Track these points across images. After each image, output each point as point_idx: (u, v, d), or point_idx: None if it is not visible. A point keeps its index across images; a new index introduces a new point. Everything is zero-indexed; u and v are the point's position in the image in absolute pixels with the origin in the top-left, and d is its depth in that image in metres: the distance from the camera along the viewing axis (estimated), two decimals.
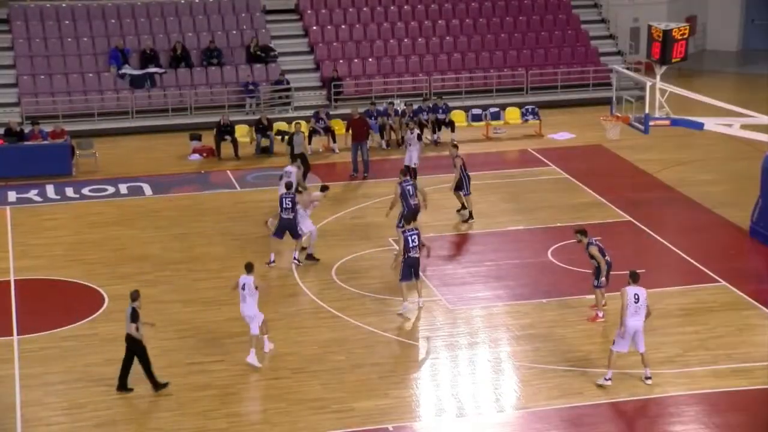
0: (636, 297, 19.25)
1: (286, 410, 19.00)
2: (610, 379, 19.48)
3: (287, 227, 25.13)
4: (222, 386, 19.80)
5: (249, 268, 20.92)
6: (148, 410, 19.14)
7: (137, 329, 19.35)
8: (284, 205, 24.91)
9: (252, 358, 20.51)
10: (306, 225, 25.58)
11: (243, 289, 20.77)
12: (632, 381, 19.82)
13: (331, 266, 25.28)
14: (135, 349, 19.51)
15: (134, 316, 19.35)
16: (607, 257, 22.30)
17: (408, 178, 26.44)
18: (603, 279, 22.31)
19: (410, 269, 22.75)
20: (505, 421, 18.79)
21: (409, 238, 22.71)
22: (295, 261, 25.29)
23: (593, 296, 22.90)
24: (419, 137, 31.80)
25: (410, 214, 24.61)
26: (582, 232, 22.55)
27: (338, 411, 18.94)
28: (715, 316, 22.55)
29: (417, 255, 22.75)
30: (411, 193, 25.90)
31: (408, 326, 22.39)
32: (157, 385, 19.63)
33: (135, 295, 19.51)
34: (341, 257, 25.80)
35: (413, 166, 30.22)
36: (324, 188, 27.10)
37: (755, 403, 19.13)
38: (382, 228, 27.65)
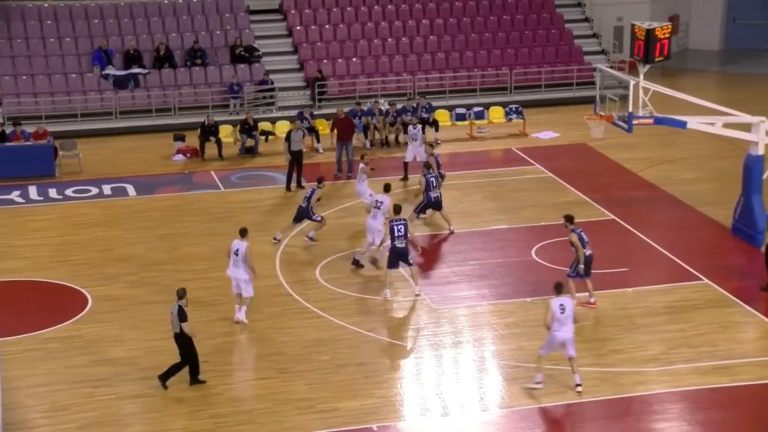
0: (562, 308, 19.12)
1: (272, 410, 19.01)
2: (540, 382, 19.45)
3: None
4: (207, 386, 19.78)
5: (243, 233, 22.12)
6: (133, 412, 19.11)
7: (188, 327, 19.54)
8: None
9: (242, 315, 22.13)
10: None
11: (236, 254, 21.89)
12: (615, 379, 19.90)
13: (316, 266, 25.29)
14: (186, 346, 19.58)
15: (182, 315, 19.43)
16: (587, 250, 22.45)
17: (431, 170, 27.10)
18: (580, 266, 22.53)
19: (398, 258, 23.31)
20: (489, 421, 18.83)
21: (395, 227, 23.20)
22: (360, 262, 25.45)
23: (578, 295, 22.95)
24: (423, 130, 32.30)
25: (428, 205, 26.81)
26: (569, 218, 22.87)
27: (323, 411, 18.96)
28: (698, 313, 22.64)
29: (403, 245, 23.14)
30: (434, 184, 26.82)
31: (392, 325, 22.44)
32: (164, 381, 19.68)
33: (182, 293, 19.61)
34: (326, 257, 25.81)
35: (420, 160, 30.29)
36: (320, 180, 27.38)
37: (738, 399, 19.23)
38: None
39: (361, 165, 28.16)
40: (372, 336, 21.83)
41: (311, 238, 26.69)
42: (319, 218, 26.57)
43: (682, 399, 19.22)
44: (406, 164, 31.54)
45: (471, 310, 22.98)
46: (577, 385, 19.38)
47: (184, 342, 19.60)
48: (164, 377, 19.66)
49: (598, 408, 19.04)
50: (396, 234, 23.26)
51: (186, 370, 19.77)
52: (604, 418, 18.78)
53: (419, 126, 31.85)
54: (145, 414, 19.01)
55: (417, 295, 23.40)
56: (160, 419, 18.80)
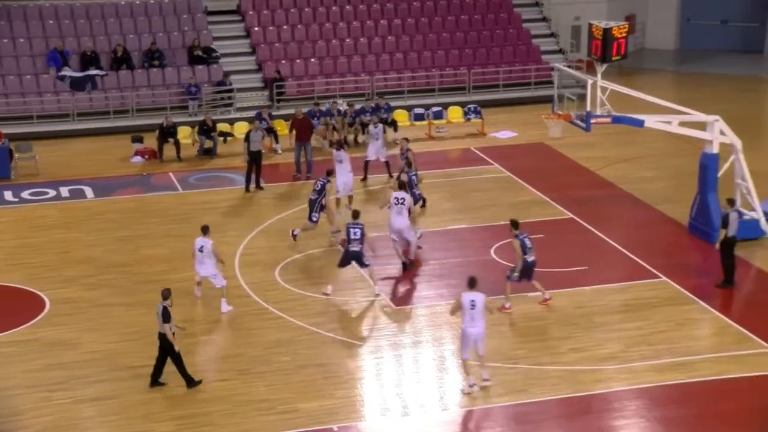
0: (472, 303, 19.17)
1: (232, 411, 18.95)
2: (473, 385, 19.50)
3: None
4: (167, 388, 19.69)
5: (205, 230, 22.76)
6: (92, 415, 18.98)
7: (171, 330, 19.47)
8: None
9: (225, 307, 22.68)
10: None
11: (201, 251, 22.65)
12: (575, 377, 20.00)
13: (275, 266, 25.24)
14: (167, 347, 19.51)
15: (166, 316, 19.37)
16: (530, 256, 22.45)
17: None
18: (516, 274, 22.56)
19: (350, 260, 23.53)
20: (449, 420, 18.87)
21: (352, 231, 23.35)
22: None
23: (536, 294, 23.09)
24: (384, 130, 32.48)
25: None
26: (514, 223, 22.86)
27: (284, 412, 18.93)
28: (656, 311, 22.80)
29: (357, 248, 23.30)
30: (415, 182, 27.18)
31: (352, 325, 22.43)
32: (191, 382, 19.65)
33: (166, 294, 19.58)
34: (285, 258, 25.76)
35: (383, 160, 30.61)
36: (329, 173, 27.40)
37: (695, 395, 19.39)
38: (326, 228, 27.64)
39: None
40: (332, 336, 21.82)
41: (295, 235, 26.62)
42: (315, 218, 26.45)
43: (640, 396, 19.35)
44: (366, 163, 31.51)
45: (430, 309, 23.01)
46: (485, 379, 19.54)
47: (164, 343, 19.56)
48: (190, 381, 19.71)
49: (557, 406, 19.13)
50: (352, 237, 23.34)
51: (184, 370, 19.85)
52: (564, 417, 18.86)
53: (380, 125, 31.88)
54: (103, 417, 18.89)
55: (377, 295, 23.42)
56: (119, 423, 18.69)
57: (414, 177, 27.64)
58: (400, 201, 24.95)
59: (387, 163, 31.42)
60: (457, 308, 19.36)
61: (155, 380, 19.73)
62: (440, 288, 24.10)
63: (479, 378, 19.59)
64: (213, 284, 22.94)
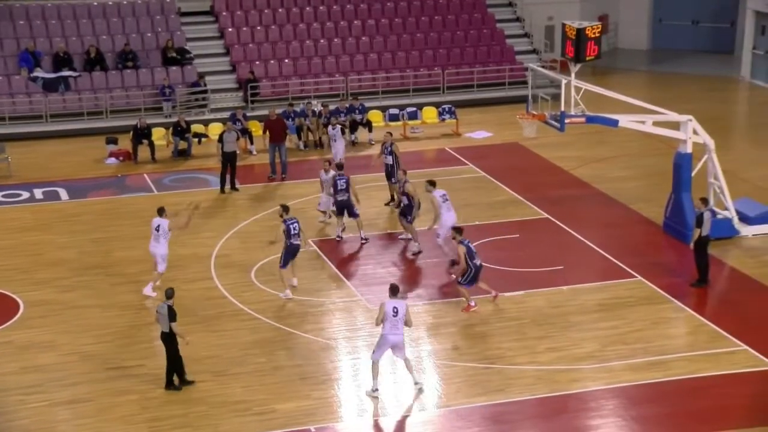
0: (395, 310, 19.12)
1: (208, 413, 18.91)
2: (376, 390, 19.48)
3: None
4: (143, 391, 19.63)
5: (161, 211, 23.63)
6: (67, 418, 18.89)
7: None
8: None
9: (149, 290, 23.38)
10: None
11: (157, 230, 23.45)
12: (551, 377, 20.05)
13: (251, 268, 25.19)
14: (169, 347, 19.49)
15: (172, 315, 19.31)
16: (476, 260, 22.53)
17: (342, 173, 27.01)
18: (465, 281, 22.58)
19: (292, 256, 23.72)
20: (426, 420, 18.88)
21: (291, 226, 23.54)
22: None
23: (512, 293, 23.13)
24: (342, 131, 32.27)
25: (339, 208, 26.83)
26: (458, 230, 22.90)
27: (260, 413, 18.89)
28: (631, 310, 22.89)
29: (298, 242, 23.65)
30: (341, 187, 26.71)
31: (329, 326, 22.41)
32: (170, 385, 19.61)
33: (170, 293, 19.56)
34: (260, 259, 25.71)
35: (342, 161, 30.45)
36: (341, 167, 27.49)
37: (670, 394, 19.48)
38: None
39: (322, 173, 27.74)
40: (308, 337, 21.79)
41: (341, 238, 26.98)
42: (358, 211, 26.83)
43: (617, 395, 19.43)
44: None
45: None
46: (416, 383, 19.53)
47: (171, 342, 19.49)
48: (169, 383, 19.63)
49: (534, 406, 19.17)
50: (292, 232, 23.49)
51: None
52: (540, 416, 18.91)
53: (338, 126, 31.76)
54: (78, 420, 18.80)
55: (294, 286, 23.84)
56: (95, 425, 18.61)
57: (342, 182, 27.01)
58: (446, 198, 25.10)
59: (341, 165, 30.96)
60: (380, 316, 19.22)
61: (183, 380, 19.72)
62: (417, 288, 24.11)
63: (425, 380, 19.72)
64: (156, 266, 23.54)
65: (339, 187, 26.28)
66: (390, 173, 28.97)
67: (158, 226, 23.50)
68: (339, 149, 31.67)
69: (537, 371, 20.25)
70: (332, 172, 27.05)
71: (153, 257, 23.73)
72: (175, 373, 19.74)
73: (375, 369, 19.42)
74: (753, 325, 22.20)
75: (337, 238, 26.84)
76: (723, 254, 25.72)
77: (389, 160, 28.89)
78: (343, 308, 23.23)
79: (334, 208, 27.02)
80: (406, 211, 26.23)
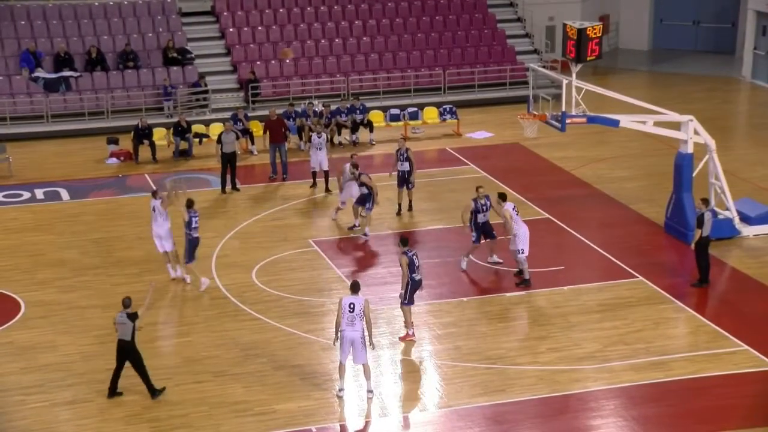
0: (351, 306, 19.13)
1: (209, 414, 18.90)
2: (342, 389, 19.50)
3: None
4: (143, 391, 19.60)
5: (154, 194, 24.41)
6: (68, 419, 18.88)
7: (133, 331, 19.19)
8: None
9: (178, 272, 24.32)
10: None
11: (153, 210, 24.16)
12: (552, 377, 20.05)
13: (251, 268, 25.19)
14: (131, 355, 19.22)
15: (133, 317, 19.04)
16: (416, 275, 21.42)
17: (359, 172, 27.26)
18: (407, 295, 21.45)
19: (196, 247, 24.11)
20: (428, 420, 18.88)
21: (194, 219, 23.85)
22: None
23: (512, 294, 23.12)
24: (328, 139, 32.35)
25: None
26: (403, 241, 21.76)
27: (261, 413, 18.89)
28: (633, 310, 22.89)
29: (197, 235, 23.91)
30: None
31: (330, 326, 22.37)
32: (155, 392, 19.39)
33: (128, 302, 19.19)
34: (261, 259, 25.72)
35: (325, 169, 30.32)
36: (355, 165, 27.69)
37: (671, 394, 19.47)
38: (302, 229, 27.66)
39: (347, 166, 27.66)
40: (309, 337, 21.78)
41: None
42: (371, 208, 27.11)
43: (618, 395, 19.42)
44: (314, 173, 30.99)
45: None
46: (369, 391, 19.43)
47: (133, 350, 19.22)
48: (152, 391, 19.41)
49: (535, 406, 19.16)
50: (193, 225, 23.77)
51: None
52: (542, 416, 18.91)
53: (324, 135, 30.98)
54: (79, 420, 18.79)
55: (179, 277, 24.31)
56: (95, 425, 18.61)
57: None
58: (517, 210, 24.58)
59: (326, 173, 30.66)
60: (340, 314, 19.23)
61: (151, 388, 19.46)
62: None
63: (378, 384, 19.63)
64: (165, 248, 24.32)
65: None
66: (406, 180, 28.48)
67: (153, 207, 24.17)
68: (322, 159, 30.58)
69: (538, 371, 20.24)
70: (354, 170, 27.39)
71: (156, 240, 24.37)
72: (143, 379, 19.44)
73: (341, 370, 19.45)
74: (754, 325, 22.20)
75: (364, 236, 27.06)
76: (724, 254, 25.72)
77: (405, 166, 28.37)
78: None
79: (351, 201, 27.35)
80: (366, 199, 26.78)
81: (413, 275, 21.38)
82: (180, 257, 24.37)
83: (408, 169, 28.42)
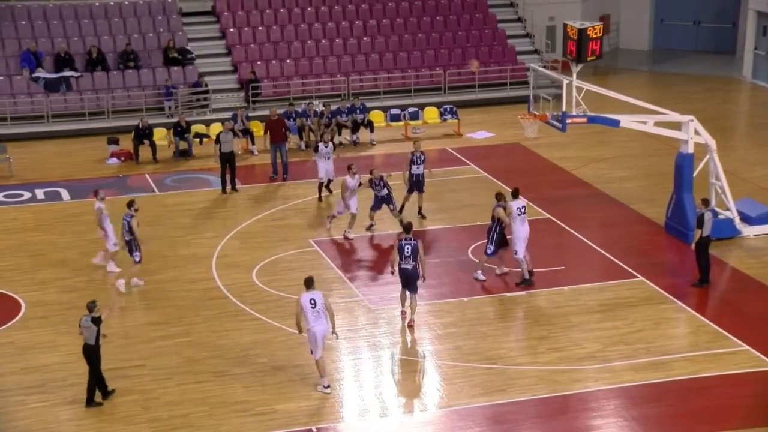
0: (312, 302, 19.26)
1: (209, 414, 18.90)
2: (328, 386, 19.58)
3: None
4: (143, 391, 19.63)
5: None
6: (69, 419, 18.88)
7: (98, 335, 19.04)
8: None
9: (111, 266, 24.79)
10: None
11: (101, 213, 24.74)
12: (552, 377, 20.04)
13: (252, 268, 25.19)
14: (91, 359, 19.06)
15: (97, 320, 18.91)
16: (404, 263, 21.86)
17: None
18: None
19: (132, 251, 24.15)
20: (428, 420, 18.88)
21: (125, 221, 23.88)
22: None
23: (513, 294, 23.11)
24: (334, 148, 32.03)
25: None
26: (406, 227, 22.44)
27: (261, 413, 18.89)
28: (633, 310, 22.88)
29: (129, 238, 23.93)
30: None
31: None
32: (91, 402, 19.17)
33: (92, 306, 19.03)
34: (262, 259, 25.72)
35: (331, 178, 30.03)
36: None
37: (672, 394, 19.47)
38: (303, 229, 27.66)
39: (348, 178, 27.06)
40: None
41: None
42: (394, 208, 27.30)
43: (618, 395, 19.41)
44: (320, 185, 30.11)
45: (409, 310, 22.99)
46: (326, 386, 19.53)
47: (95, 356, 19.06)
48: (91, 400, 19.17)
49: (535, 406, 19.16)
50: (126, 228, 23.85)
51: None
52: (542, 417, 18.90)
53: (330, 144, 30.25)
54: (79, 420, 18.79)
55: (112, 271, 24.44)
56: (96, 425, 18.61)
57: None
58: (523, 210, 24.16)
59: (330, 182, 30.15)
60: (300, 312, 19.30)
61: (106, 392, 19.33)
62: (418, 288, 24.03)
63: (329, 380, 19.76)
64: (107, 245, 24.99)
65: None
66: (421, 183, 28.12)
67: (98, 208, 24.85)
68: (329, 170, 29.96)
69: (538, 371, 20.24)
70: (358, 177, 26.91)
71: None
72: (97, 387, 19.24)
73: (321, 366, 19.55)
74: (754, 325, 22.20)
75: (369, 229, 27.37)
76: (724, 254, 25.71)
77: (420, 170, 28.03)
78: (344, 309, 23.20)
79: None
80: (387, 200, 27.14)
81: (400, 262, 21.89)
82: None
83: (422, 172, 28.10)
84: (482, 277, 24.30)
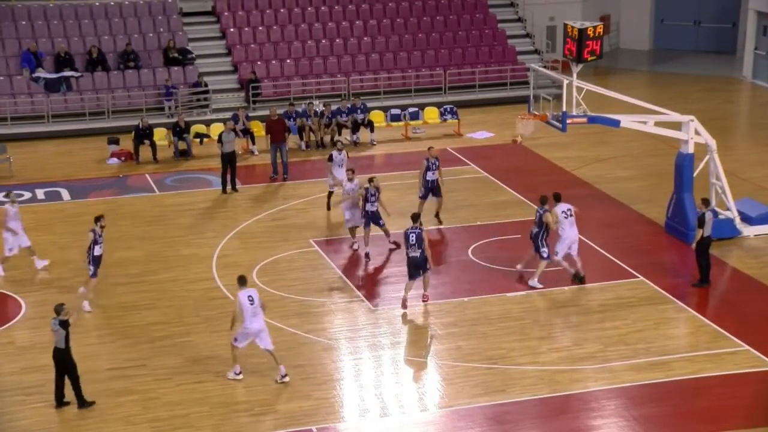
0: (251, 299, 19.55)
1: (210, 413, 18.90)
2: (240, 373, 19.86)
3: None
4: (144, 391, 19.63)
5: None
6: (70, 418, 18.87)
7: (67, 339, 18.82)
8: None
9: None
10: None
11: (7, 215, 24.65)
12: (552, 377, 20.04)
13: (252, 268, 25.18)
14: (65, 364, 18.94)
15: (64, 324, 18.72)
16: (410, 251, 22.66)
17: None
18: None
19: (96, 266, 23.34)
20: (428, 420, 18.87)
21: (96, 236, 23.05)
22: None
23: (513, 294, 23.10)
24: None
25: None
26: (414, 217, 22.94)
27: (262, 413, 18.89)
28: (633, 311, 22.88)
29: (100, 253, 23.25)
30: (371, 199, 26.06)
31: (331, 326, 22.40)
32: (84, 403, 19.13)
33: (59, 309, 18.87)
34: (262, 259, 25.72)
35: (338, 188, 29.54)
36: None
37: (672, 394, 19.46)
38: (303, 229, 27.65)
39: (346, 182, 26.58)
40: (310, 338, 21.78)
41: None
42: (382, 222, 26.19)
43: (618, 396, 19.41)
44: (331, 194, 29.16)
45: (409, 310, 22.99)
46: (283, 376, 19.82)
47: (68, 357, 18.88)
48: (81, 402, 19.10)
49: (536, 406, 19.16)
50: (98, 243, 22.99)
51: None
52: (542, 417, 18.90)
53: (344, 151, 29.12)
54: (80, 420, 18.78)
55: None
56: (96, 425, 18.60)
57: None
58: (569, 213, 24.09)
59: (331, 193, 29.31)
60: (238, 308, 19.58)
61: (60, 401, 19.11)
62: (419, 288, 24.05)
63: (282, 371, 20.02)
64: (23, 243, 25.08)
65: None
66: (437, 189, 27.66)
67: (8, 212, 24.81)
68: (343, 176, 28.17)
69: (539, 371, 20.23)
70: (356, 181, 26.43)
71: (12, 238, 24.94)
72: (74, 388, 19.04)
73: (236, 355, 19.93)
74: (754, 325, 22.20)
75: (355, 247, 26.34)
76: (725, 254, 25.71)
77: (434, 175, 27.56)
78: (344, 309, 23.22)
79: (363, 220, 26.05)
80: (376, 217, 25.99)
81: (407, 251, 22.69)
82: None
83: (436, 178, 27.66)
84: (539, 285, 24.00)
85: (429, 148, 28.40)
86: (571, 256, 24.07)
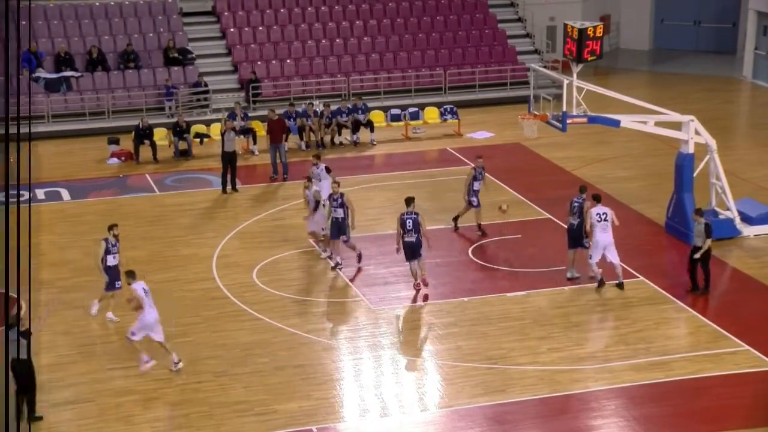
0: (145, 291, 20.23)
1: (210, 414, 18.90)
2: (149, 360, 20.09)
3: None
4: (144, 391, 19.64)
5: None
6: (69, 418, 18.88)
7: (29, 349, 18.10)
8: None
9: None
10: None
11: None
12: (552, 377, 20.04)
13: (252, 268, 25.19)
14: (30, 373, 18.27)
15: (26, 334, 17.92)
16: (407, 237, 23.27)
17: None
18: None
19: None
20: (428, 420, 18.88)
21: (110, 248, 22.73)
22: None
23: (513, 294, 23.10)
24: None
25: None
26: (407, 200, 23.27)
27: (261, 414, 18.89)
28: (633, 311, 22.88)
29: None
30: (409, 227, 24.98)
31: (331, 326, 22.41)
32: (33, 417, 18.47)
33: (14, 320, 18.02)
34: (262, 259, 25.72)
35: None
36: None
37: (672, 394, 19.47)
38: (303, 229, 27.61)
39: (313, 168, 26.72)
40: (310, 338, 21.78)
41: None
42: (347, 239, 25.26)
43: (618, 396, 19.41)
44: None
45: (409, 310, 23.01)
46: (176, 363, 20.24)
47: (29, 368, 18.26)
48: (31, 415, 18.45)
49: (535, 406, 19.16)
50: (111, 252, 22.72)
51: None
52: (542, 417, 18.90)
53: (323, 166, 27.85)
54: (80, 420, 18.79)
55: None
56: (96, 425, 18.60)
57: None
58: (603, 217, 23.90)
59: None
60: (138, 302, 20.12)
61: (32, 412, 18.51)
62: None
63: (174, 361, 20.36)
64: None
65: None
66: (477, 201, 27.21)
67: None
68: (325, 186, 27.59)
69: (539, 371, 20.24)
70: (322, 166, 26.64)
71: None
72: (27, 401, 18.31)
73: (165, 346, 20.34)
74: (754, 325, 22.20)
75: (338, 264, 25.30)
76: (725, 255, 25.70)
77: (480, 185, 27.26)
78: (344, 309, 23.22)
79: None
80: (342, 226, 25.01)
81: (404, 236, 23.36)
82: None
83: (480, 188, 27.30)
84: (577, 275, 24.25)
85: (477, 158, 27.92)
86: (612, 263, 23.74)
